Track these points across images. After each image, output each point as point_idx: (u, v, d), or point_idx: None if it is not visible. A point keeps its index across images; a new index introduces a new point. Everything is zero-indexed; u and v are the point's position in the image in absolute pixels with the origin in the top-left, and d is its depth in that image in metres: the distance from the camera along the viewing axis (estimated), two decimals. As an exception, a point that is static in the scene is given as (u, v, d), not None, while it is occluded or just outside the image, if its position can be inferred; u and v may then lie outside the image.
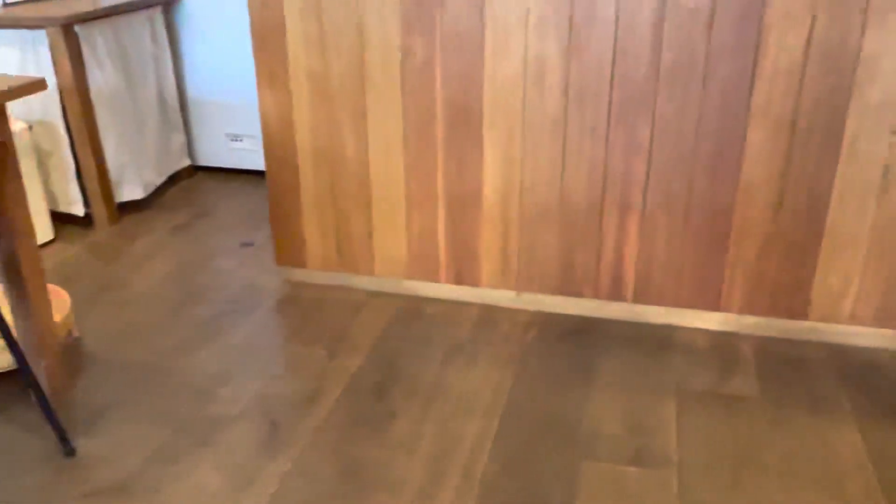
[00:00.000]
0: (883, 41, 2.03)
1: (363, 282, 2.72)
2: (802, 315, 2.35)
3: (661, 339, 2.39)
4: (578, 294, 2.51)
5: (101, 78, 3.22)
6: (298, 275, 2.79)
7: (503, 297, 2.59)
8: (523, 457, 1.90)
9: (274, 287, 2.77)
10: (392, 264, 2.66)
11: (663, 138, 2.26)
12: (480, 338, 2.42)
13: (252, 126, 3.79)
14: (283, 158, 2.62)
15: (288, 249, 2.76)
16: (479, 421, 2.03)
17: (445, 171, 2.48)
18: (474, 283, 2.60)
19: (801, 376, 2.20)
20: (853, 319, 2.32)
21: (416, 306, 2.61)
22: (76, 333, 2.46)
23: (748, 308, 2.39)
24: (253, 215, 3.42)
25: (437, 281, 2.63)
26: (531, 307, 2.57)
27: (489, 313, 2.56)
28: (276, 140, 2.61)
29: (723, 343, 2.37)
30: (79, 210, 3.29)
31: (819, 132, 2.15)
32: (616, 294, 2.48)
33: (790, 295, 2.34)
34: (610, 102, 2.27)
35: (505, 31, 2.27)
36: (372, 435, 1.98)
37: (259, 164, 3.87)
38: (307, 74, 2.48)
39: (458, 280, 2.61)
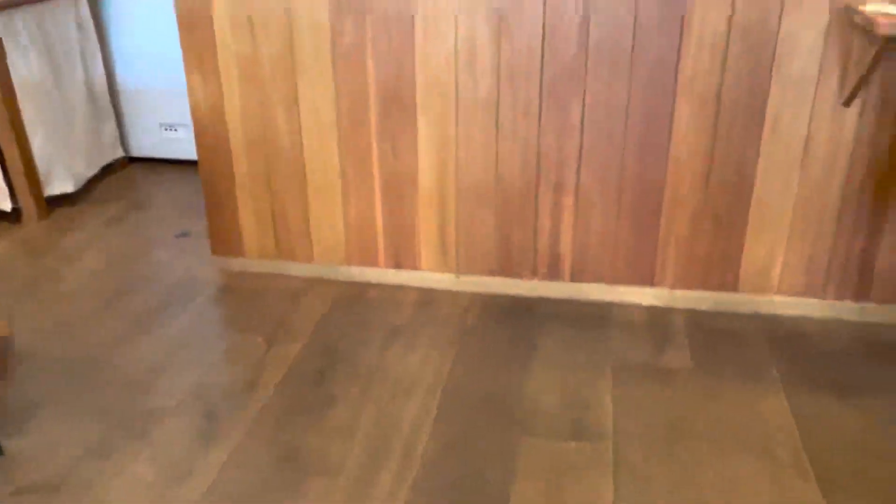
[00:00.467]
0: (800, 19, 2.09)
1: (301, 269, 2.70)
2: (733, 287, 2.41)
3: (598, 316, 2.43)
4: (517, 274, 2.53)
5: (25, 68, 3.11)
6: (236, 264, 2.75)
7: (443, 280, 2.60)
8: (463, 436, 1.91)
9: (211, 277, 2.73)
10: (330, 250, 2.64)
11: (594, 116, 2.29)
12: (420, 321, 2.43)
13: (187, 115, 3.71)
14: (215, 146, 2.58)
15: (224, 239, 2.72)
16: (420, 402, 2.04)
17: (381, 155, 2.47)
18: (413, 266, 2.60)
19: (733, 347, 2.26)
20: (780, 290, 2.39)
21: (355, 292, 2.60)
22: (5, 332, 2.39)
23: (681, 282, 2.44)
24: (189, 206, 3.36)
25: (376, 266, 2.63)
26: (470, 289, 2.58)
27: (429, 296, 2.57)
28: (208, 128, 2.56)
29: (658, 317, 2.42)
30: (6, 205, 3.18)
31: (743, 108, 2.20)
32: (554, 273, 2.50)
33: (721, 268, 2.40)
34: (541, 82, 2.28)
35: (435, 12, 2.26)
36: (311, 421, 1.97)
37: (195, 153, 3.80)
38: (236, 59, 2.44)
39: (397, 264, 2.61)
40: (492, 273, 2.55)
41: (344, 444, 1.89)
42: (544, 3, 2.19)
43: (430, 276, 2.60)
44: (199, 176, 2.64)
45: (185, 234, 3.06)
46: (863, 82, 2.06)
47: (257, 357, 2.25)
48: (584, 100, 2.27)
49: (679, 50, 2.17)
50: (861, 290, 2.35)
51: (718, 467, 1.78)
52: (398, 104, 2.39)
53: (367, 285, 2.64)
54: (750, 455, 1.82)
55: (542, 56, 2.25)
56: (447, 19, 2.26)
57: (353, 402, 2.04)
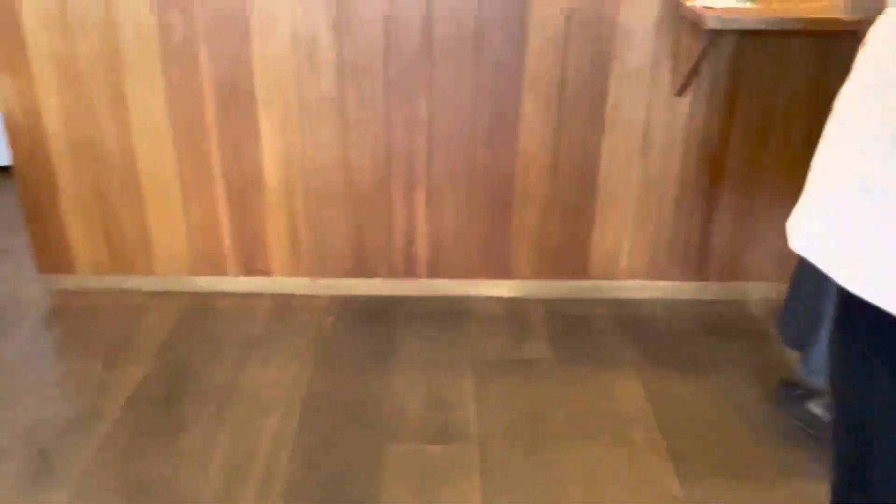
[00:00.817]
0: (634, 12, 2.15)
1: (142, 282, 2.51)
2: (584, 274, 2.47)
3: (457, 312, 2.42)
4: (374, 274, 2.48)
5: None
6: (66, 282, 2.52)
7: (297, 285, 2.50)
8: (326, 449, 1.84)
9: (38, 298, 2.48)
10: (173, 261, 2.47)
11: (442, 111, 2.26)
12: (276, 330, 2.32)
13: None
14: (32, 152, 2.33)
15: (51, 255, 2.48)
16: (279, 418, 1.95)
17: (222, 157, 2.33)
18: (265, 272, 2.48)
19: (588, 334, 2.32)
20: (629, 274, 2.48)
21: (204, 303, 2.45)
22: None
23: (535, 272, 2.47)
24: (9, 219, 3.04)
25: (224, 274, 2.49)
26: (327, 292, 2.50)
27: (284, 303, 2.46)
28: (23, 132, 2.31)
29: (515, 309, 2.44)
30: None
31: (585, 99, 2.25)
32: (410, 271, 2.47)
33: (572, 256, 2.45)
34: (386, 77, 2.22)
35: (271, 5, 2.15)
36: (161, 449, 1.84)
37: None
38: (51, 58, 2.21)
39: (248, 271, 2.48)
40: (347, 274, 2.48)
41: (199, 471, 1.77)
42: (384, 0, 2.14)
43: (283, 282, 2.49)
44: (18, 186, 2.39)
45: (2, 252, 2.77)
46: (693, 73, 2.15)
47: (96, 384, 2.07)
48: (430, 94, 2.24)
49: (522, 43, 2.18)
50: (701, 270, 2.48)
51: (580, 458, 1.82)
52: (237, 102, 2.26)
53: (216, 295, 2.49)
54: (609, 442, 1.87)
55: (386, 51, 2.19)
56: (283, 12, 2.15)
57: (207, 424, 1.92)
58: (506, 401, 2.02)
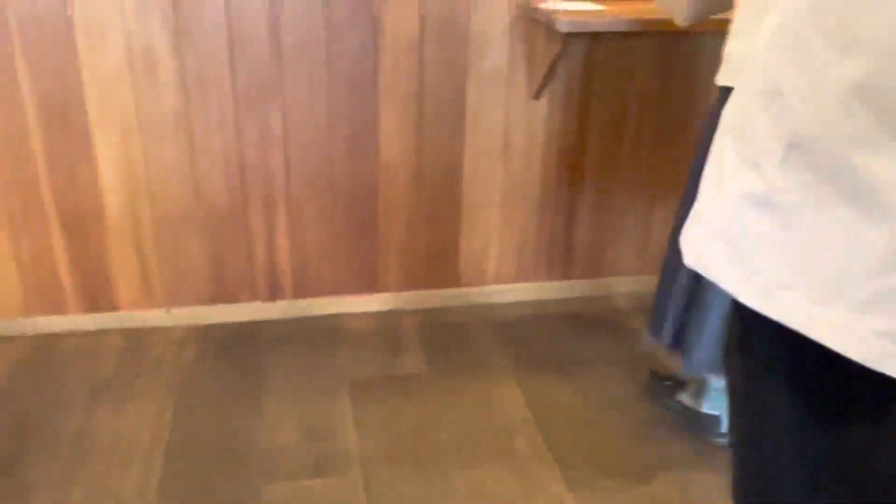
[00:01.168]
0: (487, 16, 2.13)
1: (-33, 329, 2.23)
2: (454, 282, 2.44)
3: (327, 332, 2.32)
4: (235, 299, 2.33)
5: None
6: None
7: (151, 318, 2.30)
8: (196, 497, 1.69)
9: None
10: (4, 302, 2.21)
11: (297, 125, 2.15)
12: (129, 369, 2.13)
13: None
14: None
15: None
16: (140, 469, 1.77)
17: (52, 184, 2.10)
18: (112, 307, 2.27)
19: (462, 342, 2.29)
20: (498, 279, 2.47)
21: (43, 346, 2.21)
22: None
23: (405, 284, 2.41)
24: None
25: (65, 313, 2.25)
26: (185, 322, 2.32)
27: (137, 338, 2.26)
28: None
29: (387, 323, 2.37)
30: None
31: (444, 105, 2.21)
32: (275, 293, 2.34)
33: (441, 264, 2.41)
34: (235, 91, 2.09)
35: (98, 16, 1.95)
36: (3, 521, 1.63)
37: None
38: None
39: (93, 307, 2.26)
40: (206, 301, 2.31)
41: (50, 542, 1.58)
42: (226, 7, 1.99)
43: (134, 316, 2.29)
44: None
45: None
46: (549, 76, 2.16)
47: (-82, 453, 1.81)
48: (284, 107, 2.12)
49: (376, 51, 2.11)
50: (567, 269, 2.51)
51: (467, 474, 1.78)
52: (67, 123, 2.05)
53: (56, 337, 2.25)
54: (494, 453, 1.84)
55: (232, 62, 2.06)
56: (113, 24, 1.97)
57: (56, 486, 1.72)
58: (386, 421, 1.94)
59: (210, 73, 2.05)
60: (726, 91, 1.57)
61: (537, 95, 2.24)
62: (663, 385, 2.02)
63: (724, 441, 1.87)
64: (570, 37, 2.01)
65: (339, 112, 2.15)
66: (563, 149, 2.33)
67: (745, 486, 0.80)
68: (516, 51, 2.18)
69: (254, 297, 2.33)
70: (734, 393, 0.79)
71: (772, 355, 0.67)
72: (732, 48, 1.55)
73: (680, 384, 1.98)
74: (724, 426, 1.88)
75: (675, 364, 1.99)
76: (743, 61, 1.52)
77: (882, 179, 0.50)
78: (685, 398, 1.94)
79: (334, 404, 2.00)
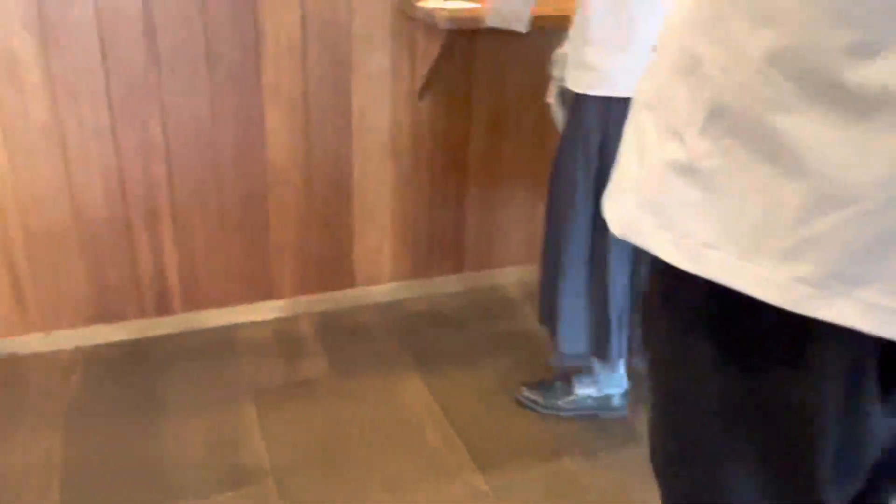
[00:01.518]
0: (368, 16, 2.14)
1: None
2: (350, 283, 2.44)
3: (223, 343, 2.26)
4: (122, 317, 2.22)
5: None
6: None
7: (28, 343, 2.16)
8: (101, 526, 1.61)
9: None
10: None
11: (179, 131, 2.08)
12: (9, 400, 1.98)
13: None
14: None
15: None
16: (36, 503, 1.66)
17: None
18: (-16, 335, 2.12)
19: (364, 342, 2.29)
20: (393, 276, 2.49)
21: None
22: None
23: (301, 289, 2.38)
24: None
25: (-71, 345, 2.08)
26: (68, 345, 2.19)
27: (13, 366, 2.11)
28: None
29: (285, 330, 2.34)
30: None
31: (330, 107, 2.20)
32: (164, 307, 2.25)
33: (336, 266, 2.40)
34: (110, 99, 1.99)
35: (-49, 23, 1.82)
36: None
37: None
38: None
39: (-39, 336, 2.10)
40: (90, 321, 2.19)
41: (-61, 591, 1.45)
42: (96, 12, 1.90)
43: (9, 343, 2.14)
44: None
45: None
46: (433, 74, 2.20)
47: None
48: (163, 114, 2.05)
49: (257, 54, 2.08)
50: (458, 262, 2.56)
51: (382, 471, 1.78)
52: (-80, 141, 1.89)
53: (-79, 372, 2.07)
54: (407, 449, 1.86)
55: (106, 68, 1.96)
56: (-29, 31, 1.83)
57: (-62, 531, 1.59)
58: (294, 427, 1.92)
59: (81, 80, 1.95)
60: (595, 98, 1.65)
61: (422, 94, 2.28)
62: (557, 370, 2.06)
63: (623, 414, 1.97)
64: (451, 35, 2.05)
65: (224, 117, 2.10)
66: (450, 145, 2.38)
67: (667, 445, 0.83)
68: (400, 50, 2.20)
69: (141, 313, 2.23)
70: (656, 356, 0.83)
71: (696, 312, 0.72)
72: (598, 59, 1.62)
73: (571, 371, 2.02)
74: (617, 402, 1.97)
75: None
76: (613, 71, 1.59)
77: (798, 139, 0.56)
78: (578, 385, 1.99)
79: (238, 415, 1.95)
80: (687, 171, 0.64)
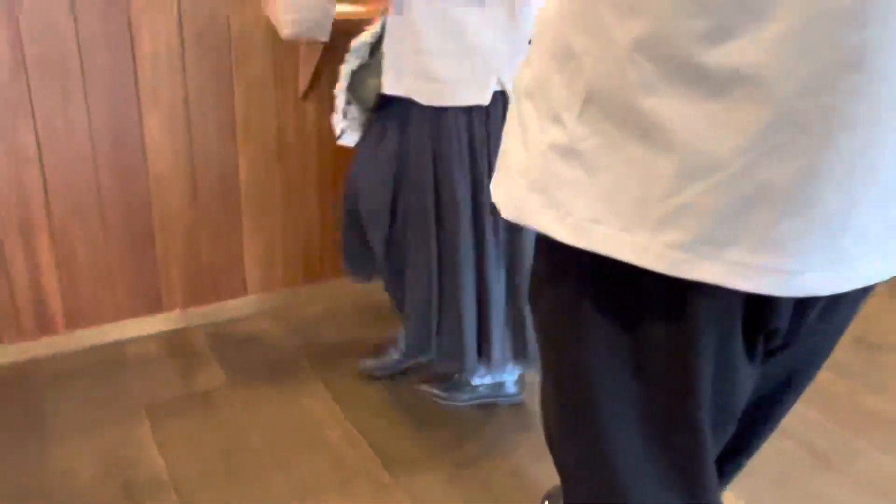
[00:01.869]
0: (247, 19, 2.13)
1: None
2: (243, 291, 2.41)
3: (113, 360, 2.17)
4: (-3, 340, 2.11)
5: None
6: None
7: None
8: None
9: None
10: None
11: (53, 142, 2.00)
12: None
13: None
14: None
15: None
16: (-89, 542, 1.56)
17: None
18: None
19: (260, 349, 2.27)
20: (286, 282, 2.47)
21: None
22: None
23: (192, 300, 2.33)
24: None
25: None
26: (-63, 374, 2.06)
27: None
28: None
29: (177, 342, 2.28)
30: None
31: (213, 112, 2.17)
32: (46, 327, 2.15)
33: (227, 275, 2.37)
34: (-27, 110, 1.89)
35: None
36: None
37: None
38: None
39: None
40: (-38, 347, 2.07)
41: None
42: (-46, 16, 1.80)
43: None
44: None
45: None
46: (315, 76, 2.21)
47: None
48: (35, 124, 1.96)
49: (134, 61, 2.02)
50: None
51: (286, 475, 1.77)
52: None
53: None
54: (311, 450, 1.86)
55: (-33, 79, 1.86)
56: None
57: None
58: (193, 439, 1.88)
59: (-60, 92, 1.84)
60: (430, 108, 1.62)
61: (305, 96, 2.28)
62: (441, 382, 2.09)
63: (519, 399, 2.04)
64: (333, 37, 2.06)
65: (101, 127, 2.03)
66: (336, 147, 2.39)
67: (558, 416, 0.87)
68: (281, 52, 2.20)
69: (20, 335, 2.12)
70: (547, 331, 0.88)
71: (584, 284, 0.78)
72: (438, 69, 1.59)
73: (455, 374, 2.04)
74: (511, 388, 2.03)
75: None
76: (454, 81, 1.59)
77: (664, 117, 0.62)
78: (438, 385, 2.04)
79: (133, 433, 1.89)
80: (569, 153, 0.70)
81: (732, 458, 0.93)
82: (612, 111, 0.66)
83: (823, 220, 0.63)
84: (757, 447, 0.95)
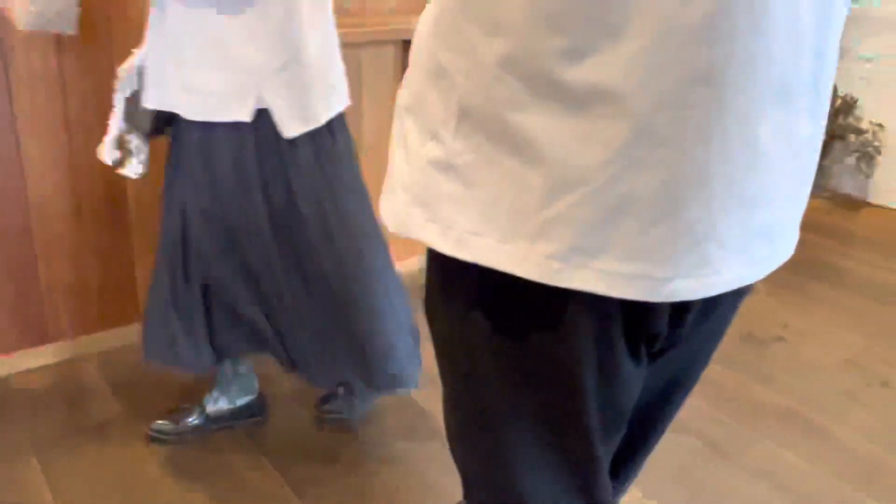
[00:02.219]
0: (131, 29, 2.06)
1: None
2: (136, 317, 2.31)
3: (-6, 397, 2.06)
4: None
5: None
6: None
7: None
8: None
9: None
10: None
11: (-82, 169, 1.88)
12: None
13: None
14: None
15: None
16: None
17: None
18: None
19: (156, 378, 2.18)
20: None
21: None
22: None
23: (81, 328, 2.23)
24: None
25: None
26: None
27: None
28: None
29: (67, 374, 2.17)
30: None
31: (97, 132, 2.09)
32: (-83, 365, 2.01)
33: (118, 300, 2.27)
34: None
35: None
36: None
37: None
38: None
39: None
40: None
41: None
42: None
43: None
44: None
45: None
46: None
47: None
48: None
49: (8, 83, 1.92)
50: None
51: (194, 497, 1.72)
52: None
53: None
54: (214, 477, 1.81)
55: None
56: None
57: None
58: (86, 474, 1.79)
59: None
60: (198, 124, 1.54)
61: (196, 114, 2.22)
62: (337, 400, 2.03)
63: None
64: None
65: (-29, 150, 1.92)
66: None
67: (458, 423, 0.88)
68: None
69: None
70: (442, 339, 0.89)
71: (471, 295, 0.79)
72: (200, 81, 1.52)
73: (341, 388, 2.00)
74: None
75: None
76: (222, 95, 1.51)
77: (533, 132, 0.64)
78: (339, 402, 2.02)
79: (20, 472, 1.79)
80: (447, 167, 0.71)
81: (631, 457, 0.96)
82: (485, 127, 0.67)
83: (687, 228, 0.66)
84: (653, 445, 0.98)
